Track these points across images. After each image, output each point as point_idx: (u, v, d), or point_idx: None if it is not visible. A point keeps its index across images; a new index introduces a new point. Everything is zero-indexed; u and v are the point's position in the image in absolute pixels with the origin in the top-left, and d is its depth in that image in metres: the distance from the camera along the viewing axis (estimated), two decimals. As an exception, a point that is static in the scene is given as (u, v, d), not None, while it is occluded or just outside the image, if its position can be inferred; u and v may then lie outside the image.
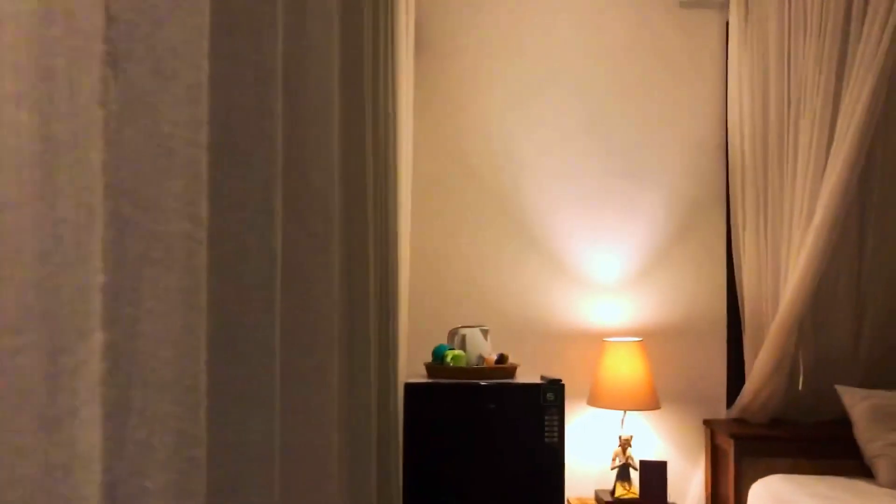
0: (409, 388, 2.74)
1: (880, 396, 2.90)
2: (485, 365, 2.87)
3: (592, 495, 3.12)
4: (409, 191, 2.98)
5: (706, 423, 3.19)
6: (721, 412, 3.22)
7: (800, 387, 3.09)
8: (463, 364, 2.85)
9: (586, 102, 3.30)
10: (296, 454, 0.90)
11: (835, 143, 2.68)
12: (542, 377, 2.84)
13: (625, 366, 2.99)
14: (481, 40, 3.31)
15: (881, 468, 2.76)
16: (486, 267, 3.28)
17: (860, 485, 2.74)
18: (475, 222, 3.28)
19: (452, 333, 2.98)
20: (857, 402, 2.91)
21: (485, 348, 2.94)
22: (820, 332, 3.16)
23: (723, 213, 3.26)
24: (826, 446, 2.96)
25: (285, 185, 0.89)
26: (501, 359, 2.90)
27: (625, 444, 3.03)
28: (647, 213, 3.28)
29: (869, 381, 3.08)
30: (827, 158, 2.71)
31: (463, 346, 2.92)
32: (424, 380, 2.82)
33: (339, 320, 1.16)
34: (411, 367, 2.95)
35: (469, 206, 3.29)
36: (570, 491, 3.12)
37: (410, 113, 3.02)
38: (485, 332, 2.97)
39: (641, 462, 2.90)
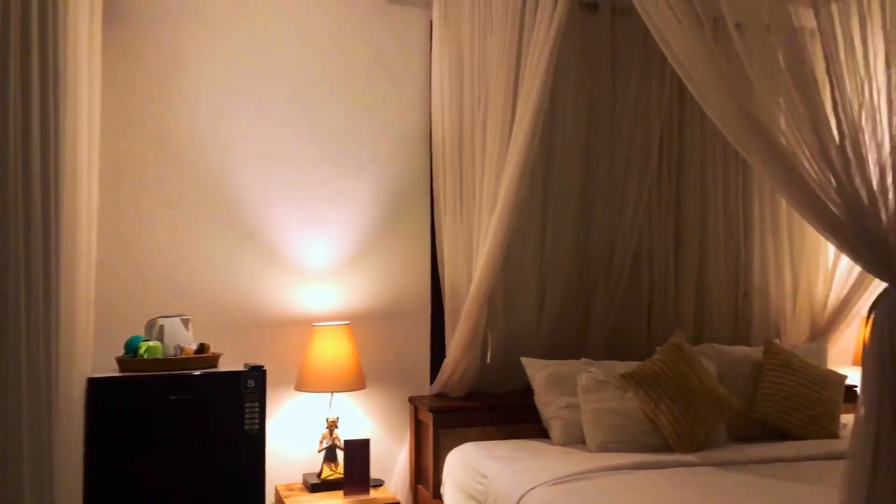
0: (94, 383, 2.54)
1: (556, 365, 3.27)
2: (183, 355, 2.76)
3: (301, 480, 3.14)
4: (96, 174, 2.76)
5: (411, 400, 3.36)
6: (426, 389, 3.41)
7: (489, 360, 3.38)
8: (158, 355, 2.71)
9: (297, 87, 3.29)
10: None
11: (511, 137, 2.96)
12: (246, 365, 2.80)
13: (331, 349, 3.04)
14: (184, 12, 3.14)
15: (555, 428, 3.12)
16: (191, 255, 3.13)
17: (537, 444, 3.07)
18: (179, 208, 3.13)
19: (150, 325, 2.82)
20: (538, 372, 3.25)
21: (185, 338, 2.83)
22: (510, 309, 3.48)
23: (427, 201, 3.45)
24: (513, 413, 3.27)
25: None
26: (202, 348, 2.81)
27: (332, 425, 3.09)
28: (357, 201, 3.37)
29: (550, 353, 3.45)
30: (507, 151, 2.98)
31: (161, 338, 2.78)
32: (114, 374, 2.64)
33: None
34: (105, 363, 2.73)
35: (172, 191, 3.12)
36: (278, 478, 3.11)
37: (97, 87, 2.79)
38: (185, 322, 2.85)
39: (346, 442, 2.98)
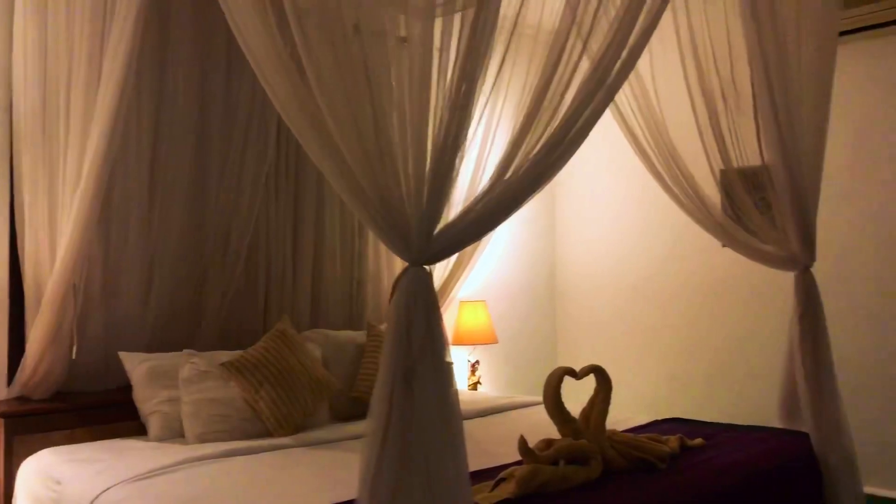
0: None
1: (158, 358, 3.09)
2: None
3: None
4: None
5: (-19, 405, 2.93)
6: (3, 392, 2.99)
7: (73, 356, 3.07)
8: None
9: None
10: None
11: (95, 114, 2.73)
12: None
13: None
14: None
15: (152, 424, 2.95)
16: None
17: (129, 443, 2.86)
18: None
19: None
20: (137, 366, 3.04)
21: None
22: (110, 299, 3.21)
23: (7, 177, 3.02)
24: (109, 413, 3.02)
25: None
26: None
27: None
28: None
29: (158, 345, 3.25)
30: (90, 127, 2.75)
31: None
32: None
33: None
34: None
35: None
36: None
37: None
38: None
39: None
